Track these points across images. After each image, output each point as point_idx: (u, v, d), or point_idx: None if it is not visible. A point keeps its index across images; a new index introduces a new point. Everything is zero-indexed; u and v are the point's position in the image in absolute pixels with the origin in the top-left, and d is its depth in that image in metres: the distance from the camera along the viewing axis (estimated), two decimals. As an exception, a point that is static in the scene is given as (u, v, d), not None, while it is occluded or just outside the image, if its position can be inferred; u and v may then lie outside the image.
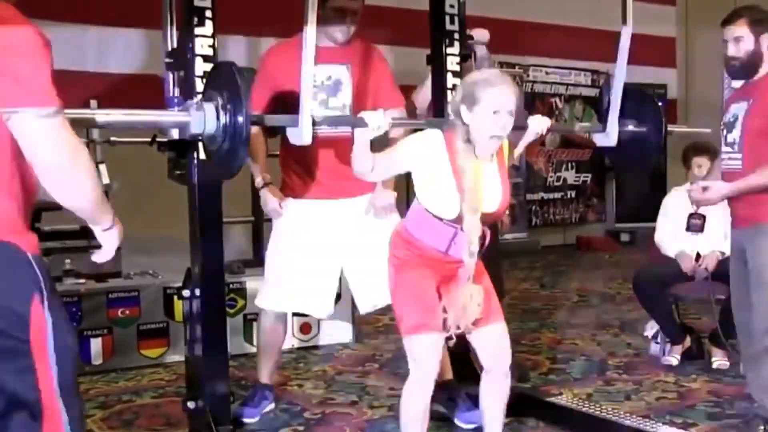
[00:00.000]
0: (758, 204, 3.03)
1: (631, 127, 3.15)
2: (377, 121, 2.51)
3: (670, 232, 4.46)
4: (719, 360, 4.12)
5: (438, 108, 3.34)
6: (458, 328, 2.52)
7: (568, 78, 9.74)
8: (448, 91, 3.29)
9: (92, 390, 3.94)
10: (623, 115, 3.15)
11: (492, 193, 2.57)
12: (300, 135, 2.55)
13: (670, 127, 3.11)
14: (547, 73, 9.28)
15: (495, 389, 2.70)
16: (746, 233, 3.11)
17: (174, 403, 3.56)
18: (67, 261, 4.44)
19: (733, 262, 3.29)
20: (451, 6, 3.30)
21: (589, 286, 7.14)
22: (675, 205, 4.48)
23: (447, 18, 3.29)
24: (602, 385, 3.96)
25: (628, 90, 3.25)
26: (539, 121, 2.82)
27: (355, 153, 2.57)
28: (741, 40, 3.09)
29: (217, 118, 2.33)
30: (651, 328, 4.54)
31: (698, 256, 4.25)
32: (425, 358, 2.54)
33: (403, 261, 2.60)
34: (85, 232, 5.39)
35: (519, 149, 2.80)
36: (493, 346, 2.66)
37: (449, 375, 3.29)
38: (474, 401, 2.89)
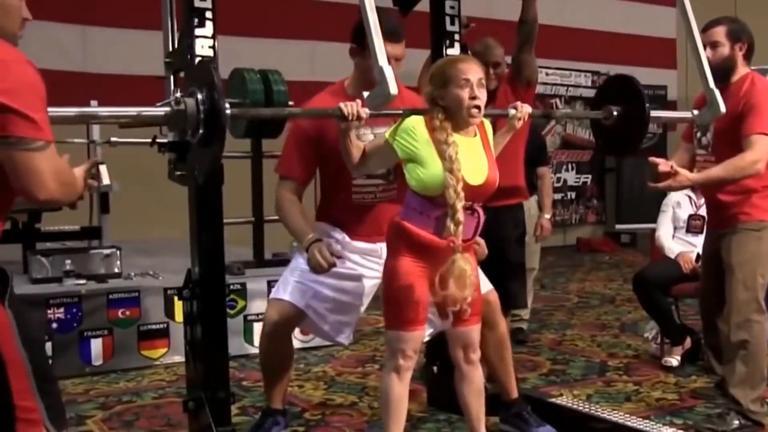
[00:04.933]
0: (734, 207, 3.24)
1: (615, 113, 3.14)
2: (353, 110, 2.52)
3: (671, 233, 4.49)
4: (719, 361, 4.12)
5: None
6: (459, 307, 2.54)
7: (569, 79, 9.75)
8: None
9: (93, 391, 3.95)
10: (608, 101, 3.17)
11: (477, 166, 2.59)
12: (384, 92, 2.47)
13: (653, 113, 3.13)
14: (547, 74, 9.28)
15: (467, 381, 2.74)
16: (722, 234, 3.31)
17: (174, 403, 3.56)
18: (68, 262, 4.44)
19: (704, 264, 3.57)
20: (452, 7, 3.30)
21: (589, 287, 7.15)
22: (675, 206, 4.51)
23: (447, 19, 3.30)
24: (602, 386, 3.96)
25: (615, 78, 3.36)
26: (520, 108, 2.83)
27: (341, 146, 2.63)
28: (718, 45, 3.28)
29: (198, 111, 2.38)
30: (651, 329, 4.54)
31: (698, 256, 4.26)
32: (404, 352, 2.56)
33: (398, 253, 2.60)
34: (85, 233, 5.42)
35: (503, 139, 2.82)
36: (468, 342, 2.70)
37: (515, 394, 3.24)
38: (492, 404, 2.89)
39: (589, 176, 10.10)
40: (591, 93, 9.92)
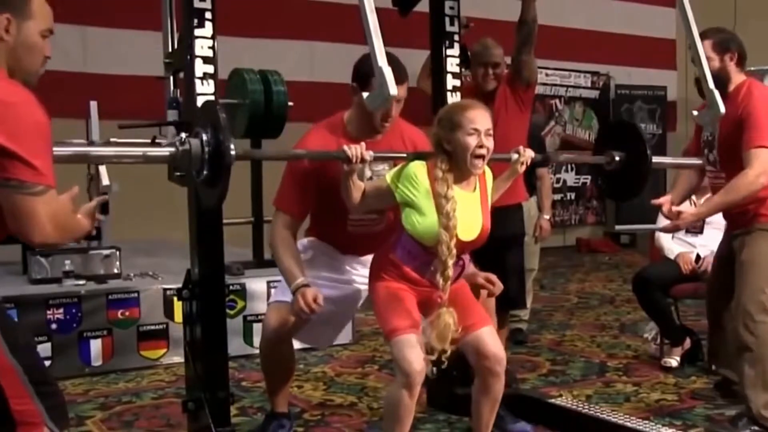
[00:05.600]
0: (751, 212, 3.20)
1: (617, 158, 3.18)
2: (357, 153, 2.56)
3: (670, 234, 4.48)
4: (719, 362, 4.12)
5: (438, 111, 3.33)
6: (443, 352, 2.56)
7: (568, 80, 9.75)
8: (448, 93, 3.29)
9: (92, 391, 3.95)
10: (611, 147, 3.20)
11: (471, 222, 2.65)
12: (383, 93, 2.40)
13: (656, 159, 3.17)
14: (547, 74, 9.28)
15: (487, 391, 2.75)
16: (736, 235, 3.28)
17: (174, 404, 3.56)
18: (67, 262, 4.44)
19: (717, 264, 3.53)
20: (451, 8, 3.30)
21: (589, 287, 7.14)
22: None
23: (447, 19, 3.30)
24: (602, 386, 3.96)
25: (617, 123, 3.35)
26: (523, 153, 2.88)
27: (342, 186, 2.66)
28: (707, 60, 3.18)
29: (202, 152, 2.41)
30: (651, 329, 4.54)
31: (698, 257, 4.26)
32: (407, 358, 2.54)
33: (384, 277, 2.69)
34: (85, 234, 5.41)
35: (504, 184, 2.87)
36: (484, 350, 2.69)
37: None
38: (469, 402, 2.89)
39: (589, 177, 10.09)
40: (591, 93, 9.96)
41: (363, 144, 2.61)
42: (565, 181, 9.88)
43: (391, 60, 2.63)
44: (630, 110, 10.03)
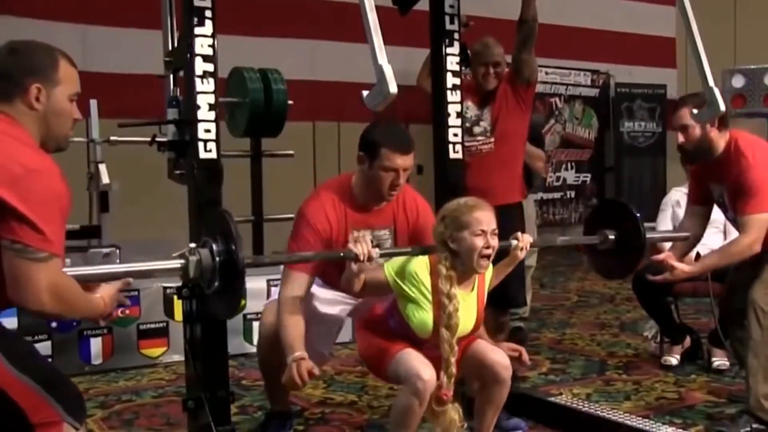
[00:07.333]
0: None
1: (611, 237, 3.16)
2: (363, 251, 2.53)
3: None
4: (719, 360, 4.12)
5: (438, 109, 3.34)
6: None
7: (568, 78, 9.74)
8: (448, 92, 3.29)
9: (92, 390, 3.95)
10: (603, 226, 3.20)
11: (467, 320, 2.66)
12: (383, 91, 2.26)
13: (648, 234, 3.16)
14: (546, 73, 9.28)
15: (493, 399, 2.76)
16: None
17: (174, 402, 3.57)
18: (67, 261, 4.42)
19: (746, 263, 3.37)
20: (451, 6, 3.30)
21: (589, 286, 7.15)
22: (675, 205, 4.50)
23: (447, 18, 3.29)
24: (602, 385, 3.96)
25: (609, 202, 3.34)
26: (521, 239, 2.86)
27: (345, 277, 2.64)
28: (687, 128, 3.16)
29: (213, 263, 2.37)
30: (650, 328, 4.54)
31: (698, 256, 4.25)
32: (416, 368, 2.54)
33: (373, 327, 2.74)
34: (85, 232, 5.41)
35: (503, 271, 2.89)
36: (485, 359, 2.70)
37: None
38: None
39: (589, 175, 10.09)
40: (590, 92, 9.95)
41: (368, 240, 2.57)
42: (564, 180, 9.88)
43: (400, 132, 2.75)
44: (630, 108, 10.04)
